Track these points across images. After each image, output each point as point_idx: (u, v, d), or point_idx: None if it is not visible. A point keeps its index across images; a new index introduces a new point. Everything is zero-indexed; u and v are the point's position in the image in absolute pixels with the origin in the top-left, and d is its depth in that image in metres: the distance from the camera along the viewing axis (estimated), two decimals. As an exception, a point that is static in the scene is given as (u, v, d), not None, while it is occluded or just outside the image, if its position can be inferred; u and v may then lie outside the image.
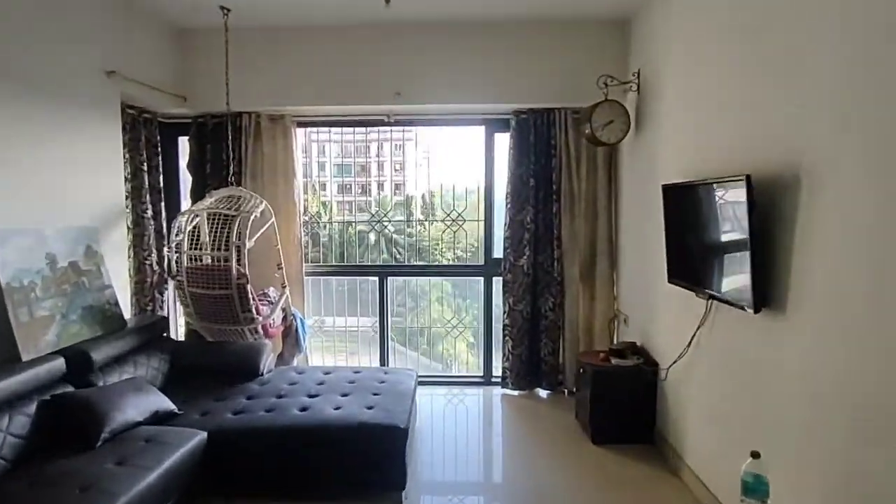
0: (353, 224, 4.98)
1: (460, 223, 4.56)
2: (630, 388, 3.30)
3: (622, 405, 3.31)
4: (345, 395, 3.01)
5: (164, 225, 4.09)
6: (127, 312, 3.48)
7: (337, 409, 2.83)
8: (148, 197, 3.95)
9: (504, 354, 4.23)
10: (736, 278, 2.23)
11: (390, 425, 2.68)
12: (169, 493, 2.30)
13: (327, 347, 4.91)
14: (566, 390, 4.18)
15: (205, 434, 2.57)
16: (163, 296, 4.12)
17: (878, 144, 1.56)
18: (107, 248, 3.24)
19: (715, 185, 2.35)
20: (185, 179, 4.34)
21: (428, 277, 4.92)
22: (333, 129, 4.57)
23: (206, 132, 4.17)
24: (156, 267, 4.01)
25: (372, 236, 5.59)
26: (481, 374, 4.54)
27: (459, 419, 3.93)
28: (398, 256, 6.76)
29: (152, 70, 3.72)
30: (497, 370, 4.42)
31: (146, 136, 3.96)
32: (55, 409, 2.42)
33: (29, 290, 2.61)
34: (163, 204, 4.13)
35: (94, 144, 3.23)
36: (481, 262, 4.47)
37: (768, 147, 2.10)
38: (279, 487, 2.69)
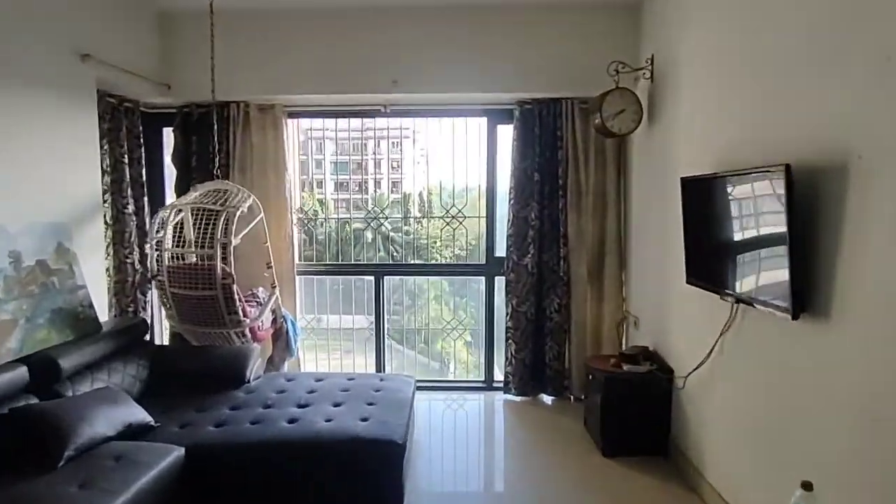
0: (350, 221, 4.75)
1: (460, 220, 4.33)
2: (644, 397, 3.08)
3: (635, 415, 3.09)
4: (337, 404, 2.79)
5: (147, 221, 3.86)
6: (104, 315, 3.25)
7: (328, 420, 2.61)
8: (129, 191, 3.72)
9: (507, 358, 4.01)
10: (769, 280, 2.01)
11: (386, 440, 2.46)
12: (140, 518, 2.07)
13: (321, 346, 4.71)
14: (572, 396, 3.97)
15: (182, 450, 2.34)
16: (146, 296, 3.89)
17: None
18: (81, 246, 3.01)
19: (745, 178, 2.13)
20: (171, 173, 4.09)
21: (427, 277, 4.71)
22: (330, 126, 4.34)
23: (191, 123, 3.93)
24: (138, 265, 3.78)
25: (368, 234, 5.38)
26: (482, 378, 4.32)
27: (460, 427, 3.72)
28: (395, 254, 6.57)
29: (132, 55, 3.48)
30: (499, 374, 4.21)
31: (127, 127, 3.72)
32: (14, 423, 2.18)
33: (-12, 291, 2.38)
34: (146, 199, 3.91)
35: (67, 134, 2.99)
36: (482, 260, 4.25)
37: (810, 135, 1.87)
38: (264, 507, 2.47)
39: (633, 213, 3.76)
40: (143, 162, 3.87)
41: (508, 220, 3.92)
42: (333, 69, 3.76)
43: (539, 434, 3.53)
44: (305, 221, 4.47)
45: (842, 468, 1.72)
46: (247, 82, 3.79)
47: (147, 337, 3.39)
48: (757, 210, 2.08)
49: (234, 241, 3.16)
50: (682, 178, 2.66)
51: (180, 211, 3.36)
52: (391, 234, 6.57)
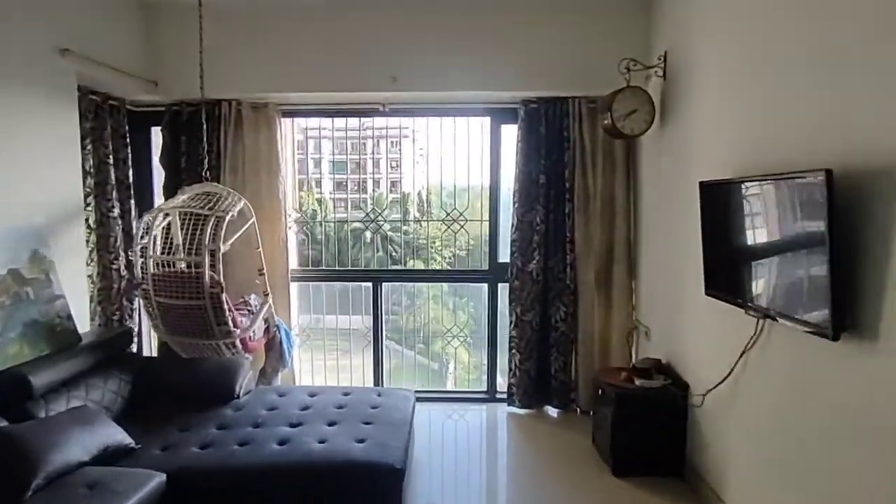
0: (348, 222, 4.57)
1: (462, 223, 4.15)
2: (658, 414, 2.91)
3: (649, 432, 2.91)
4: (331, 423, 2.61)
5: (134, 225, 3.67)
6: (86, 324, 3.07)
7: (322, 442, 2.44)
8: (115, 194, 3.54)
9: (510, 369, 3.83)
10: (804, 295, 1.84)
11: (384, 464, 2.28)
12: (115, 553, 1.89)
13: (317, 346, 4.54)
14: (578, 409, 3.79)
15: (164, 476, 2.16)
16: (132, 304, 3.70)
17: None
18: (59, 252, 2.83)
19: (777, 183, 1.96)
20: (160, 174, 3.90)
21: (428, 283, 4.55)
22: (327, 125, 4.16)
23: (181, 122, 3.74)
24: (123, 272, 3.60)
25: (367, 234, 5.23)
26: (484, 389, 4.14)
27: (461, 441, 3.54)
28: (394, 254, 6.40)
29: (117, 50, 3.30)
30: (502, 386, 4.03)
31: (112, 126, 3.54)
32: (-23, 450, 2.01)
33: (-46, 304, 2.20)
34: (132, 201, 3.72)
35: (45, 133, 2.81)
36: (484, 262, 4.07)
37: (854, 138, 1.69)
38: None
39: (643, 218, 3.59)
40: (130, 163, 3.69)
41: (512, 225, 3.74)
42: (330, 65, 3.57)
43: (545, 451, 3.35)
44: (303, 221, 4.30)
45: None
46: (238, 79, 3.60)
47: (133, 347, 3.22)
48: (790, 218, 1.91)
49: (224, 248, 2.98)
50: (701, 183, 2.49)
51: (167, 215, 3.17)
52: (390, 233, 6.41)
